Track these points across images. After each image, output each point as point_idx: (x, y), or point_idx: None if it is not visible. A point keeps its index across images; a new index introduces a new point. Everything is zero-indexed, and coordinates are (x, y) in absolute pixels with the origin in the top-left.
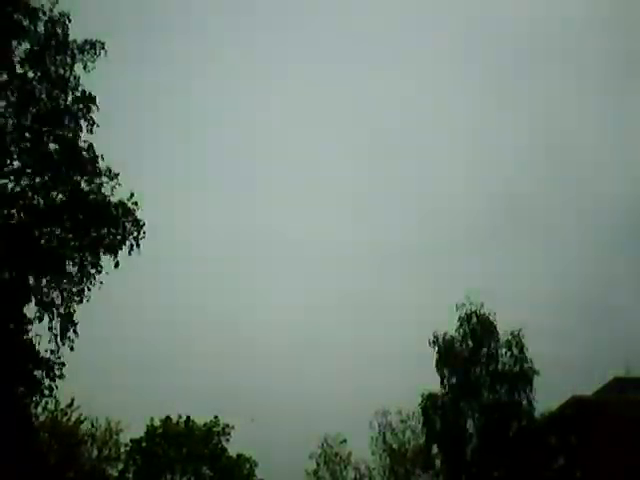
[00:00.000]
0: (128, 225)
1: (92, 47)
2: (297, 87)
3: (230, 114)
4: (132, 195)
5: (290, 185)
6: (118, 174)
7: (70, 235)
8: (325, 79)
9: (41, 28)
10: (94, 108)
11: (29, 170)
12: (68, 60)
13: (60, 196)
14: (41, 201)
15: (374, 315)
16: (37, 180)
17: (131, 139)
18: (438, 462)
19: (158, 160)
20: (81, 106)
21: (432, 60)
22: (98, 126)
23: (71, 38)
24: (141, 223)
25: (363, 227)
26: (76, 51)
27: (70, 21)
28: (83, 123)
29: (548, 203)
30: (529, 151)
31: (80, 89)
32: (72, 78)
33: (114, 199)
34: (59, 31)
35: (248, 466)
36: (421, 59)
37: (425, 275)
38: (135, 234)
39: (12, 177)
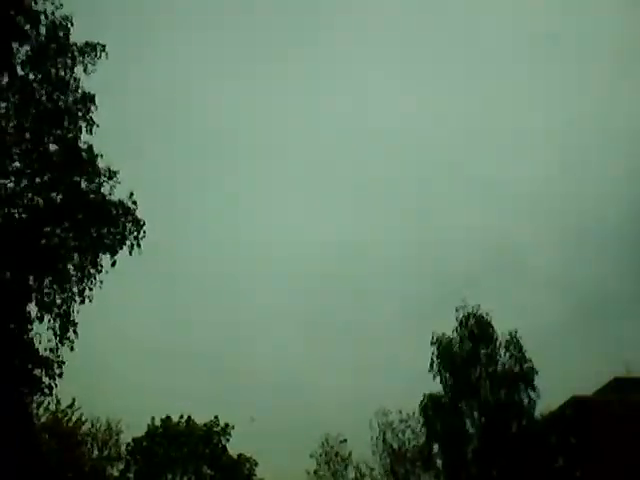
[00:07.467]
0: (128, 225)
1: (93, 50)
2: (298, 88)
3: (230, 113)
4: (132, 194)
5: (290, 184)
6: (117, 172)
7: (70, 235)
8: (327, 81)
9: (42, 31)
10: (93, 107)
11: (29, 170)
12: (68, 62)
13: (60, 196)
14: (41, 201)
15: (374, 314)
16: (37, 180)
17: (130, 138)
18: (438, 462)
19: (157, 159)
20: (80, 107)
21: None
22: (98, 126)
23: (72, 39)
24: (141, 222)
25: (363, 226)
26: (76, 53)
27: (72, 24)
28: (83, 123)
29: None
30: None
31: (80, 91)
32: (72, 80)
33: (114, 198)
34: (60, 34)
35: (248, 466)
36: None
37: (425, 274)
38: (135, 234)
39: (12, 177)
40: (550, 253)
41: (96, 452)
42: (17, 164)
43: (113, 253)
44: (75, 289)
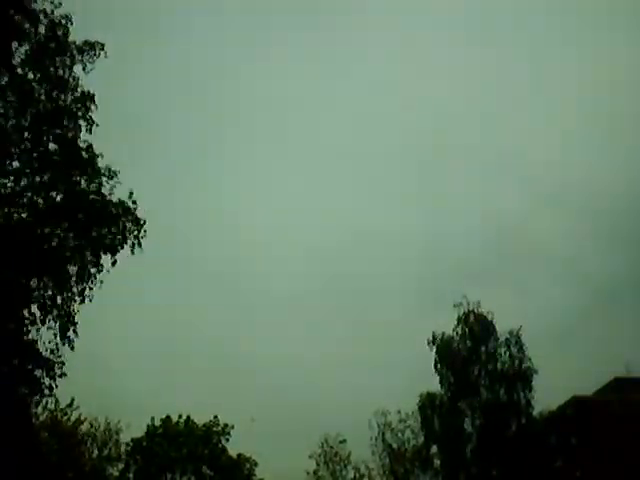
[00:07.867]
0: (129, 224)
1: (92, 48)
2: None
3: (230, 114)
4: (131, 194)
5: (291, 184)
6: (117, 172)
7: (70, 235)
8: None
9: (42, 30)
10: (93, 107)
11: (29, 170)
12: (67, 61)
13: (60, 196)
14: (41, 201)
15: (374, 313)
16: (37, 180)
17: (130, 138)
18: (437, 462)
19: (158, 159)
20: (80, 106)
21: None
22: (97, 125)
23: (72, 38)
24: (141, 222)
25: (365, 226)
26: (75, 52)
27: (72, 24)
28: (82, 123)
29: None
30: None
31: (79, 90)
32: (71, 79)
33: (114, 198)
34: (59, 33)
35: (248, 466)
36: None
37: (425, 274)
38: (136, 233)
39: (12, 177)
40: (551, 252)
41: (96, 452)
42: (17, 163)
43: (113, 253)
44: (75, 289)
